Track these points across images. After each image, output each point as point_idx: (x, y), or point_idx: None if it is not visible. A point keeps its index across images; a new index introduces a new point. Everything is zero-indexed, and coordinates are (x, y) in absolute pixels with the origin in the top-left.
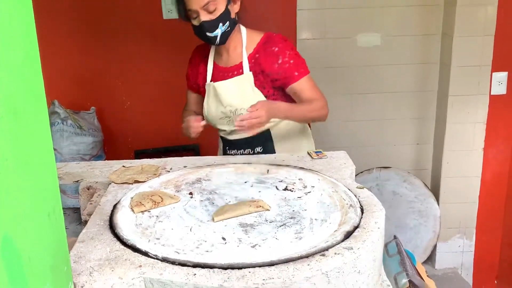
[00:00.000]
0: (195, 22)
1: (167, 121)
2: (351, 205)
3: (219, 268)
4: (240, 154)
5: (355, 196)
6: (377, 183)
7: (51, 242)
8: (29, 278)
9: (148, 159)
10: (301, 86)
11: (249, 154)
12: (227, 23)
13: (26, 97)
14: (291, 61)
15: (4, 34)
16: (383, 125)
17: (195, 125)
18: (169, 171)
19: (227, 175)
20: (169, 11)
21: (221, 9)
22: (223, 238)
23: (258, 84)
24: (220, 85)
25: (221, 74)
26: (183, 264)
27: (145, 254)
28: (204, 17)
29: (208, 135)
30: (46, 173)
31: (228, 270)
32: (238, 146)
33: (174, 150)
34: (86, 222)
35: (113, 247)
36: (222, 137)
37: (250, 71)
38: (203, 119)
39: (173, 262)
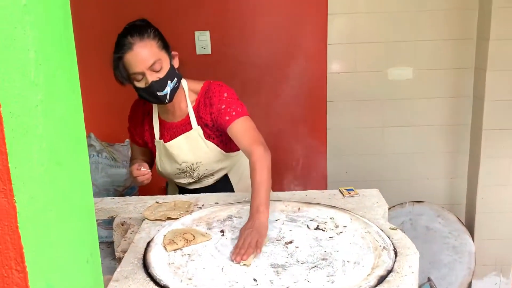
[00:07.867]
0: (141, 84)
1: None
2: (384, 248)
3: None
4: None
5: (388, 237)
6: (410, 218)
7: (89, 286)
8: None
9: (181, 195)
10: (234, 130)
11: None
12: (175, 79)
13: (69, 148)
14: (222, 107)
15: (50, 87)
16: (415, 159)
17: (140, 174)
18: (201, 208)
19: None
20: (202, 47)
21: (166, 66)
22: (255, 280)
23: (207, 135)
24: (172, 144)
25: (170, 131)
26: None
27: None
28: (152, 77)
29: None
30: (85, 221)
31: None
32: (198, 193)
33: None
34: (120, 259)
35: (147, 287)
36: (178, 186)
37: (198, 124)
38: (148, 166)
39: None
